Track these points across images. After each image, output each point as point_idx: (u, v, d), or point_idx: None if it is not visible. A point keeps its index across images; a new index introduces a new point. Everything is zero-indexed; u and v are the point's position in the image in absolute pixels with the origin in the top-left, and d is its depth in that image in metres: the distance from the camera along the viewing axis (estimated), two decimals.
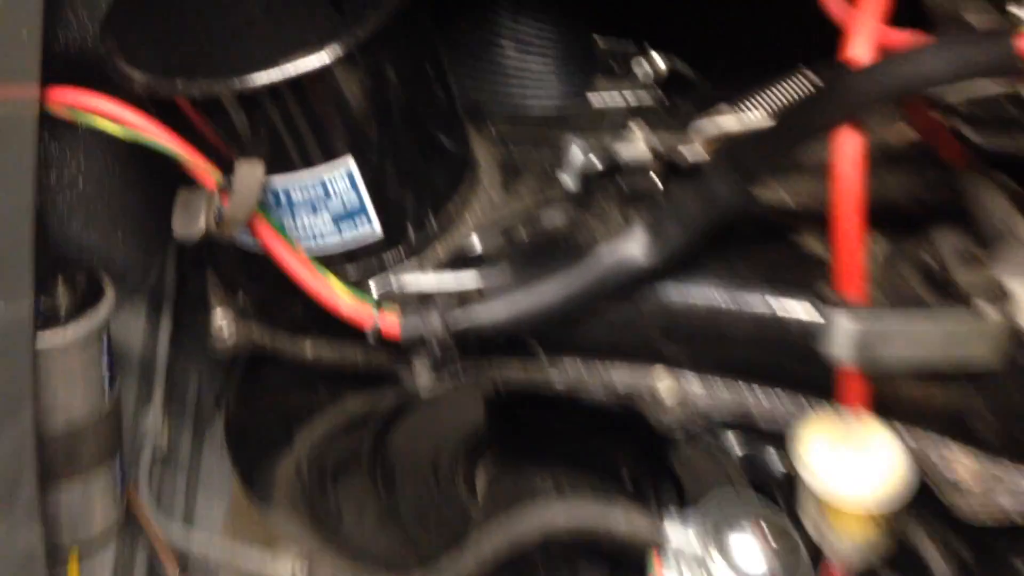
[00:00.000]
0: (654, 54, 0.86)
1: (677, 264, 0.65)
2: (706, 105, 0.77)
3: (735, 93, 0.78)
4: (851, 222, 0.53)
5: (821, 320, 0.56)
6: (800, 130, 0.54)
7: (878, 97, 0.50)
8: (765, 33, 1.02)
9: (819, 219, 0.67)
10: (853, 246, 0.53)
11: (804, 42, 0.88)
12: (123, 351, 0.96)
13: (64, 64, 0.74)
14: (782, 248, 0.67)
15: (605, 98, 0.86)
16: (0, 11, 0.56)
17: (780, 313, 0.63)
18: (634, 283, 0.64)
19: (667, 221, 0.63)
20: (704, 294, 0.66)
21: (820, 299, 0.56)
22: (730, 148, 0.59)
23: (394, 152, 0.69)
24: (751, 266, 0.66)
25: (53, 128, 0.80)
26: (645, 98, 0.85)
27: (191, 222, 0.60)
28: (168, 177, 0.68)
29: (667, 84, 0.88)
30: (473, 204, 0.77)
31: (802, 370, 0.63)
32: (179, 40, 0.74)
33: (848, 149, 0.52)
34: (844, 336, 0.54)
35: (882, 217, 0.64)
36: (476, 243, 0.74)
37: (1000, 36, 0.46)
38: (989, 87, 0.60)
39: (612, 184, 0.74)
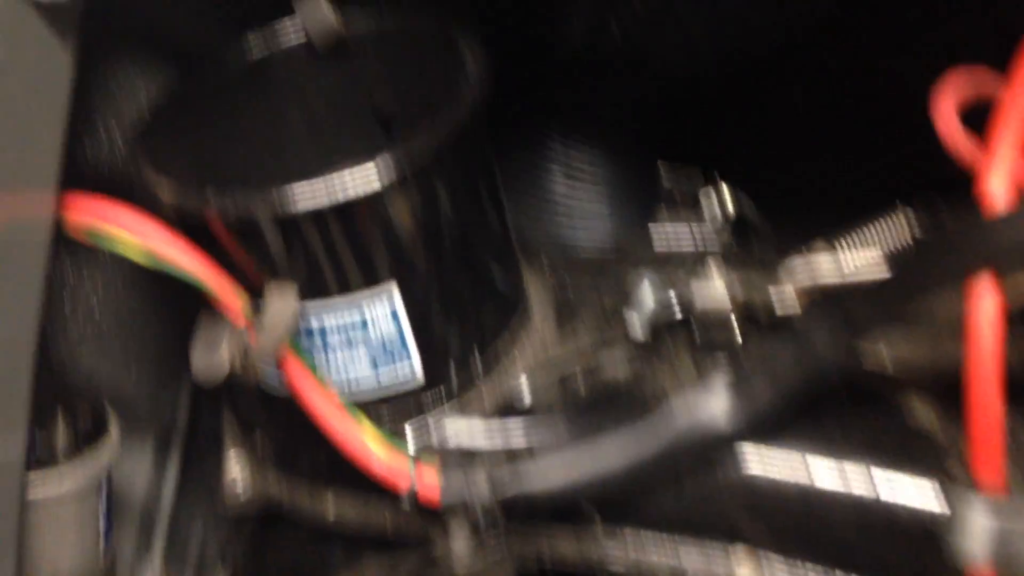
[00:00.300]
0: (724, 187, 0.79)
1: (763, 429, 0.56)
2: (786, 247, 0.70)
3: (816, 234, 0.71)
4: (989, 392, 0.44)
5: (948, 509, 0.46)
6: (926, 282, 0.46)
7: (1018, 259, 0.43)
8: (843, 174, 0.96)
9: (929, 385, 0.59)
10: (991, 421, 0.45)
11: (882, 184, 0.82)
12: (124, 494, 0.87)
13: (89, 180, 0.69)
14: (886, 417, 0.58)
15: (669, 233, 0.80)
16: (18, 111, 0.50)
17: (887, 497, 0.54)
18: (714, 449, 0.56)
19: (754, 378, 0.55)
20: (794, 466, 0.57)
21: (947, 482, 0.47)
22: (835, 297, 0.51)
23: (441, 283, 0.62)
24: (850, 436, 0.57)
25: (73, 252, 0.74)
26: (713, 235, 0.77)
27: (214, 360, 0.52)
28: (190, 306, 0.62)
29: (734, 221, 0.81)
30: (523, 344, 0.70)
31: (911, 562, 0.54)
32: (215, 153, 0.69)
33: (986, 306, 0.44)
34: (980, 531, 0.45)
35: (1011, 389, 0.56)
36: (525, 389, 0.66)
37: None
38: None
39: (682, 328, 0.66)
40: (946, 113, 0.55)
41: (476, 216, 0.64)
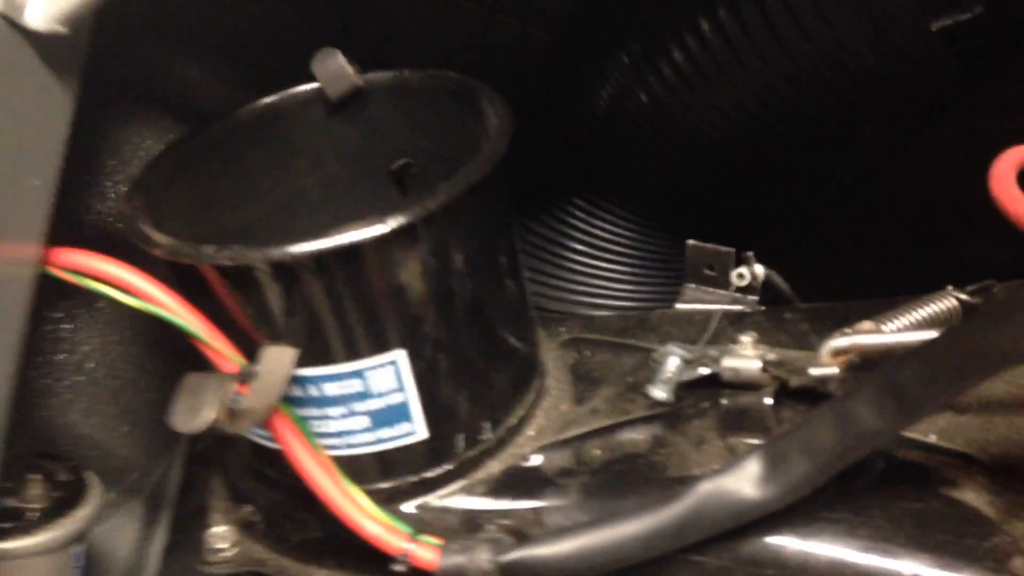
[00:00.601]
0: (754, 263, 0.75)
1: (797, 507, 0.51)
2: (822, 321, 0.66)
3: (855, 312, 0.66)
4: None
5: None
6: (989, 357, 0.41)
7: None
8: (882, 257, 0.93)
9: (977, 465, 0.54)
10: None
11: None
12: (107, 555, 0.82)
13: (95, 236, 0.66)
14: (931, 499, 0.52)
15: (697, 306, 0.75)
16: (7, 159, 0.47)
17: None
18: (742, 525, 0.50)
19: (790, 449, 0.50)
20: (830, 549, 0.51)
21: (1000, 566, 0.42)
22: (885, 370, 0.46)
23: (452, 349, 0.58)
24: (892, 518, 0.52)
25: (70, 303, 0.71)
26: (743, 308, 0.73)
27: (196, 411, 0.48)
28: (192, 365, 0.58)
29: (765, 296, 0.77)
30: (539, 416, 0.65)
31: None
32: (217, 208, 0.66)
33: None
34: None
35: None
36: (539, 462, 0.61)
37: None
38: None
39: (711, 404, 0.62)
40: (1003, 178, 0.51)
41: (491, 281, 0.61)
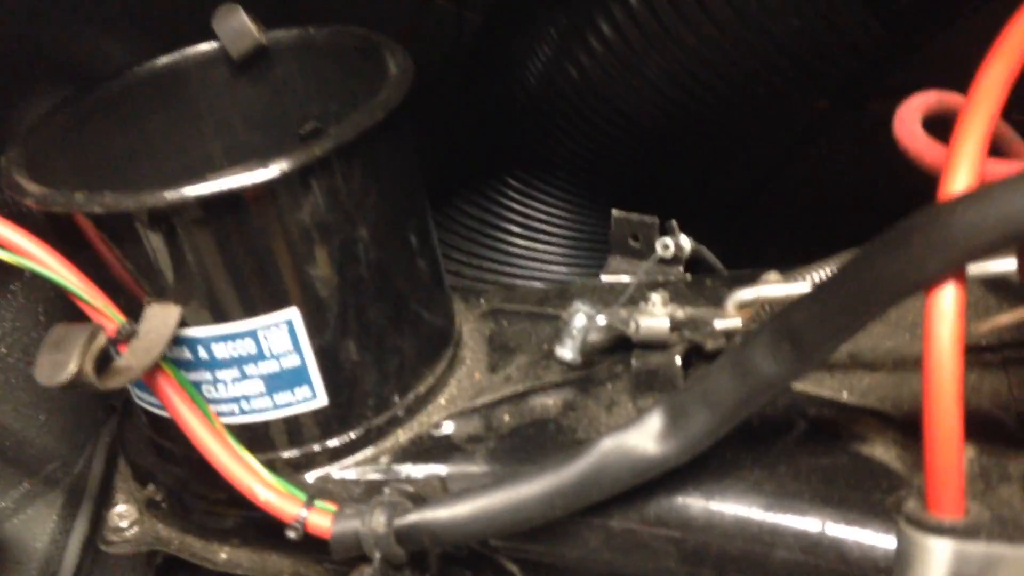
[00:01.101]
0: (678, 233, 0.74)
1: (703, 465, 0.49)
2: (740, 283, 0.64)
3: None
4: (949, 411, 0.38)
5: (905, 545, 0.39)
6: (880, 288, 0.39)
7: (995, 236, 0.36)
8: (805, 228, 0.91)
9: (888, 421, 0.52)
10: (951, 446, 0.38)
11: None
12: (23, 552, 0.79)
13: None
14: (840, 454, 0.51)
15: (620, 276, 0.74)
16: None
17: (839, 534, 0.47)
18: (645, 481, 0.48)
19: (690, 403, 0.48)
20: (736, 507, 0.49)
21: (904, 519, 0.40)
22: (780, 314, 0.45)
23: (355, 314, 0.56)
24: (798, 474, 0.50)
25: None
26: (663, 273, 0.72)
27: (60, 364, 0.45)
28: None
29: (689, 269, 0.75)
30: (451, 385, 0.63)
31: None
32: (113, 172, 0.64)
33: (948, 310, 0.37)
34: (942, 567, 0.38)
35: (973, 428, 0.49)
36: (449, 430, 0.59)
37: None
38: None
39: (624, 367, 0.60)
40: (906, 118, 0.50)
41: (397, 243, 0.58)
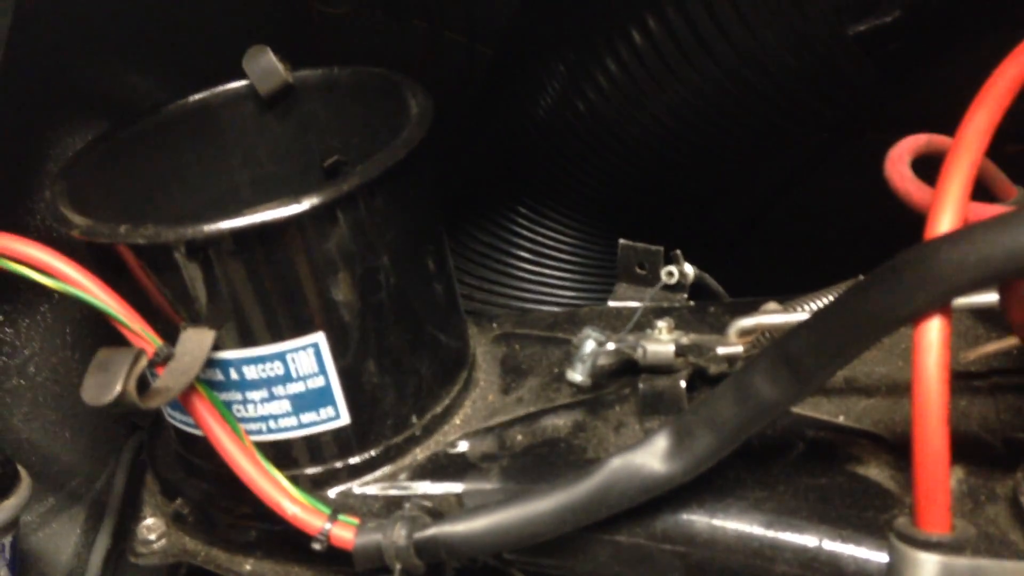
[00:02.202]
0: (684, 262, 0.77)
1: (707, 484, 0.52)
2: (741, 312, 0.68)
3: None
4: (935, 433, 0.41)
5: (896, 559, 0.42)
6: (872, 320, 0.43)
7: (976, 275, 0.39)
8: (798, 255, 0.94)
9: (882, 443, 0.55)
10: (938, 466, 0.41)
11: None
12: (48, 564, 0.81)
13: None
14: (836, 474, 0.54)
15: (627, 302, 0.77)
16: None
17: (835, 550, 0.50)
18: (651, 498, 0.51)
19: (695, 424, 0.51)
20: (737, 524, 0.52)
21: (895, 535, 0.43)
22: (779, 341, 0.48)
23: (375, 336, 0.59)
24: (797, 493, 0.53)
25: (11, 307, 0.72)
26: (671, 301, 0.75)
27: (106, 385, 0.48)
28: None
29: (693, 295, 0.79)
30: (466, 406, 0.66)
31: None
32: (147, 203, 0.67)
33: (934, 341, 0.41)
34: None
35: (961, 450, 0.52)
36: (463, 448, 0.62)
37: None
38: None
39: (631, 390, 0.63)
40: (896, 160, 0.53)
41: (416, 271, 0.62)
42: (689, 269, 0.77)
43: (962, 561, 0.40)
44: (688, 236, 0.89)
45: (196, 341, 0.54)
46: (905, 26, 0.79)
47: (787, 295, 0.65)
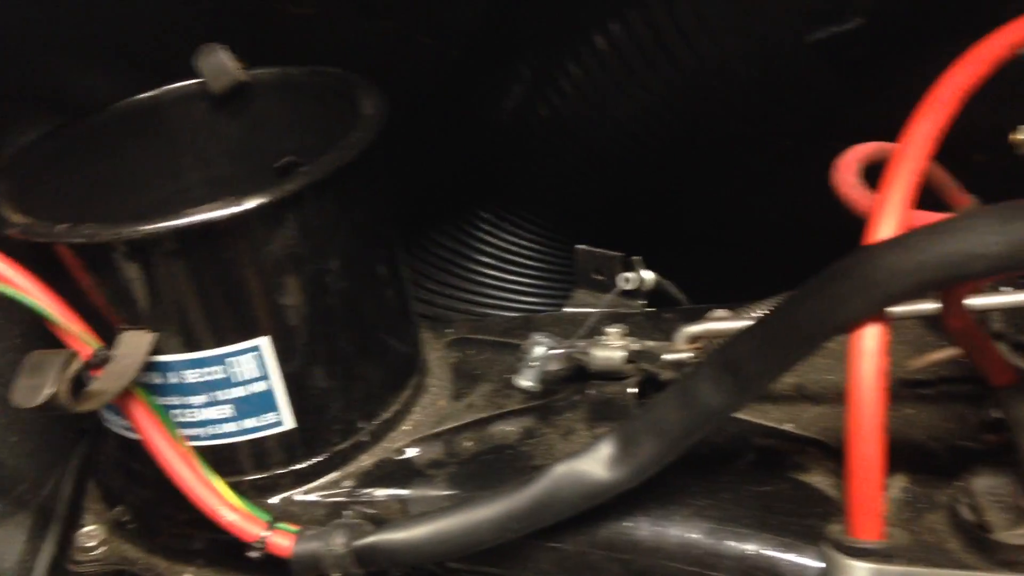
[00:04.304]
0: (640, 266, 0.77)
1: (652, 492, 0.52)
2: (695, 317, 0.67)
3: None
4: (869, 443, 0.40)
5: (829, 567, 0.42)
6: (808, 328, 0.42)
7: (911, 283, 0.39)
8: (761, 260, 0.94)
9: (828, 451, 0.55)
10: (870, 475, 0.40)
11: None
12: None
13: None
14: (781, 482, 0.53)
15: (584, 308, 0.76)
16: None
17: (775, 557, 0.49)
18: (596, 505, 0.51)
19: (639, 431, 0.50)
20: (680, 532, 0.52)
21: (828, 543, 0.43)
22: (722, 348, 0.48)
23: (324, 343, 0.58)
24: (741, 501, 0.53)
25: None
26: (627, 308, 0.74)
27: (37, 388, 0.47)
28: None
29: (652, 301, 0.78)
30: (416, 412, 0.65)
31: None
32: (96, 202, 0.66)
33: (869, 349, 0.40)
34: None
35: (906, 458, 0.52)
36: (411, 454, 0.62)
37: None
38: None
39: (581, 396, 0.62)
40: (843, 167, 0.53)
41: (366, 276, 0.61)
42: (648, 275, 0.77)
43: (894, 569, 0.40)
44: (653, 241, 0.89)
45: (134, 344, 0.53)
46: (868, 33, 0.79)
47: (752, 302, 0.65)
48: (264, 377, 0.56)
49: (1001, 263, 0.37)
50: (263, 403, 0.57)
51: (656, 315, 0.71)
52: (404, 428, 0.64)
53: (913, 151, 0.44)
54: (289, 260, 0.55)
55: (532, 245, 1.03)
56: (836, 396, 0.59)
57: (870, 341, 0.40)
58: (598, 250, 0.78)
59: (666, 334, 0.68)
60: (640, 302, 0.76)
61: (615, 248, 0.78)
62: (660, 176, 0.95)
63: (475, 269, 1.04)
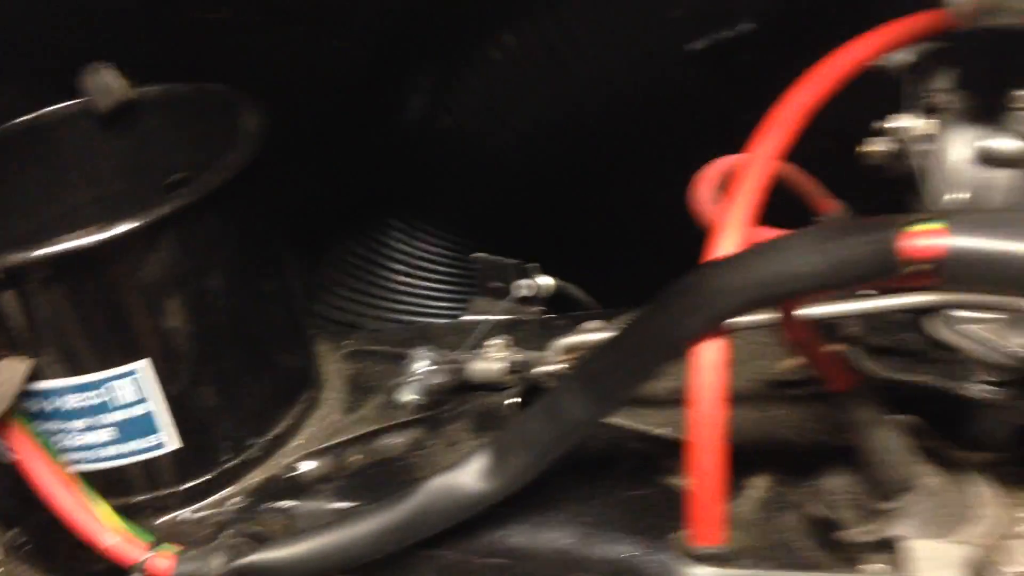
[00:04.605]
0: (536, 272, 0.78)
1: (528, 500, 0.53)
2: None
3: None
4: (707, 452, 0.42)
5: (678, 573, 0.44)
6: (653, 343, 0.44)
7: (740, 301, 0.41)
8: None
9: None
10: (709, 482, 0.42)
11: None
12: None
13: None
14: (652, 486, 0.55)
15: (483, 315, 0.78)
16: None
17: (643, 562, 0.51)
18: (468, 515, 0.52)
19: (510, 443, 0.52)
20: (555, 537, 0.54)
21: (673, 548, 0.45)
22: (584, 360, 0.49)
23: (209, 362, 0.59)
24: (613, 505, 0.54)
25: None
26: (524, 315, 0.76)
27: None
28: None
29: (558, 305, 0.80)
30: (309, 426, 0.66)
31: None
32: None
33: (708, 361, 0.42)
34: None
35: (771, 459, 0.54)
36: (301, 470, 0.62)
37: (881, 230, 0.38)
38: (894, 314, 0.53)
39: (466, 407, 0.64)
40: (700, 182, 0.55)
41: (253, 295, 0.62)
42: (545, 281, 0.78)
43: (735, 572, 0.42)
44: (563, 246, 0.90)
45: (11, 370, 0.53)
46: (754, 40, 0.81)
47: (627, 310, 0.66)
48: (143, 400, 0.57)
49: (820, 282, 0.39)
50: (145, 426, 0.57)
51: (548, 322, 0.73)
52: (295, 443, 0.64)
53: (754, 171, 0.46)
54: (168, 282, 0.55)
55: (443, 252, 1.04)
56: None
57: (708, 355, 0.42)
58: (494, 258, 0.79)
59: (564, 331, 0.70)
60: (536, 308, 0.77)
61: (525, 254, 0.80)
62: (564, 182, 0.97)
63: (387, 276, 1.05)
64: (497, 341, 0.62)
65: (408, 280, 1.05)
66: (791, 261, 0.39)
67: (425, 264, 1.05)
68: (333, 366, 0.72)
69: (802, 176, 0.61)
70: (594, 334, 0.59)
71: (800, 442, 0.57)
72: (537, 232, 1.03)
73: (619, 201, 1.00)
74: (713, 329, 0.42)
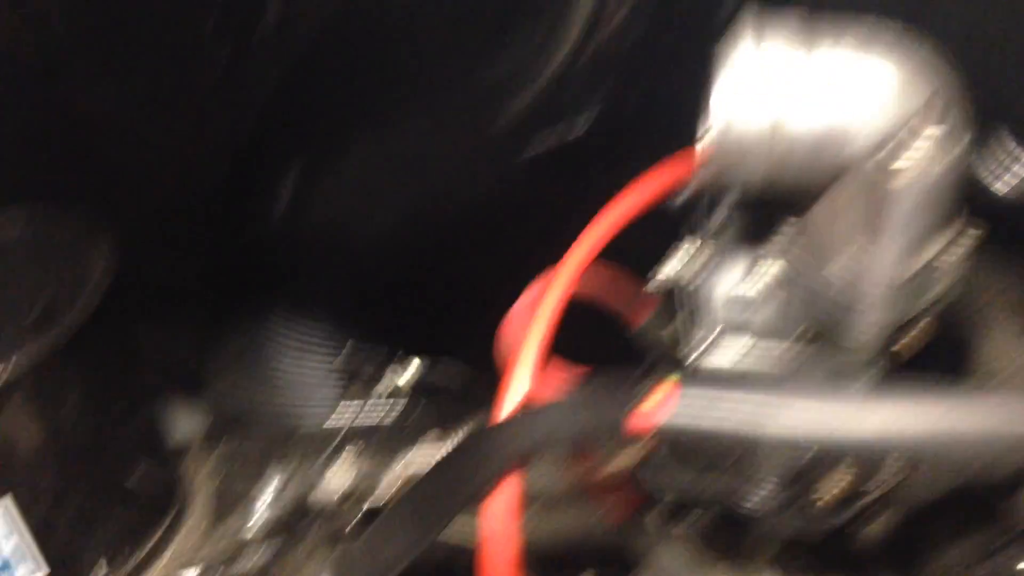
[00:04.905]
0: (402, 361, 0.83)
1: None
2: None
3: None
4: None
5: None
6: (451, 491, 0.50)
7: (514, 457, 0.47)
8: None
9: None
10: None
11: None
12: None
13: None
14: None
15: (345, 411, 0.83)
16: None
17: None
18: None
19: (349, 568, 0.57)
20: None
21: None
22: (410, 489, 0.54)
23: (67, 495, 0.63)
24: None
25: None
26: (384, 412, 0.81)
27: None
28: None
29: (427, 392, 0.84)
30: (177, 541, 0.70)
31: None
32: None
33: (495, 510, 0.48)
34: None
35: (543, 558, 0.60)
36: None
37: (617, 405, 0.44)
38: None
39: (324, 518, 0.69)
40: (512, 321, 0.60)
41: (110, 429, 0.66)
42: (409, 370, 0.83)
43: None
44: (446, 330, 0.95)
45: None
46: (590, 142, 0.86)
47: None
48: (12, 534, 0.60)
49: (576, 441, 0.46)
50: (14, 558, 0.61)
51: (400, 425, 0.78)
52: (162, 560, 0.69)
53: (538, 325, 0.52)
54: (24, 422, 0.59)
55: (322, 341, 1.07)
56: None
57: (496, 504, 0.48)
58: (362, 347, 0.84)
59: (412, 439, 0.75)
60: (402, 401, 0.82)
61: (403, 337, 0.84)
62: (429, 269, 1.01)
63: (270, 366, 1.08)
64: (347, 454, 0.67)
65: (290, 370, 1.08)
66: (551, 425, 0.46)
67: (307, 354, 1.08)
68: (201, 478, 0.76)
69: (613, 290, 0.66)
70: (431, 454, 0.64)
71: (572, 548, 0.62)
72: (411, 314, 1.08)
73: (481, 283, 1.05)
74: (496, 482, 0.48)
